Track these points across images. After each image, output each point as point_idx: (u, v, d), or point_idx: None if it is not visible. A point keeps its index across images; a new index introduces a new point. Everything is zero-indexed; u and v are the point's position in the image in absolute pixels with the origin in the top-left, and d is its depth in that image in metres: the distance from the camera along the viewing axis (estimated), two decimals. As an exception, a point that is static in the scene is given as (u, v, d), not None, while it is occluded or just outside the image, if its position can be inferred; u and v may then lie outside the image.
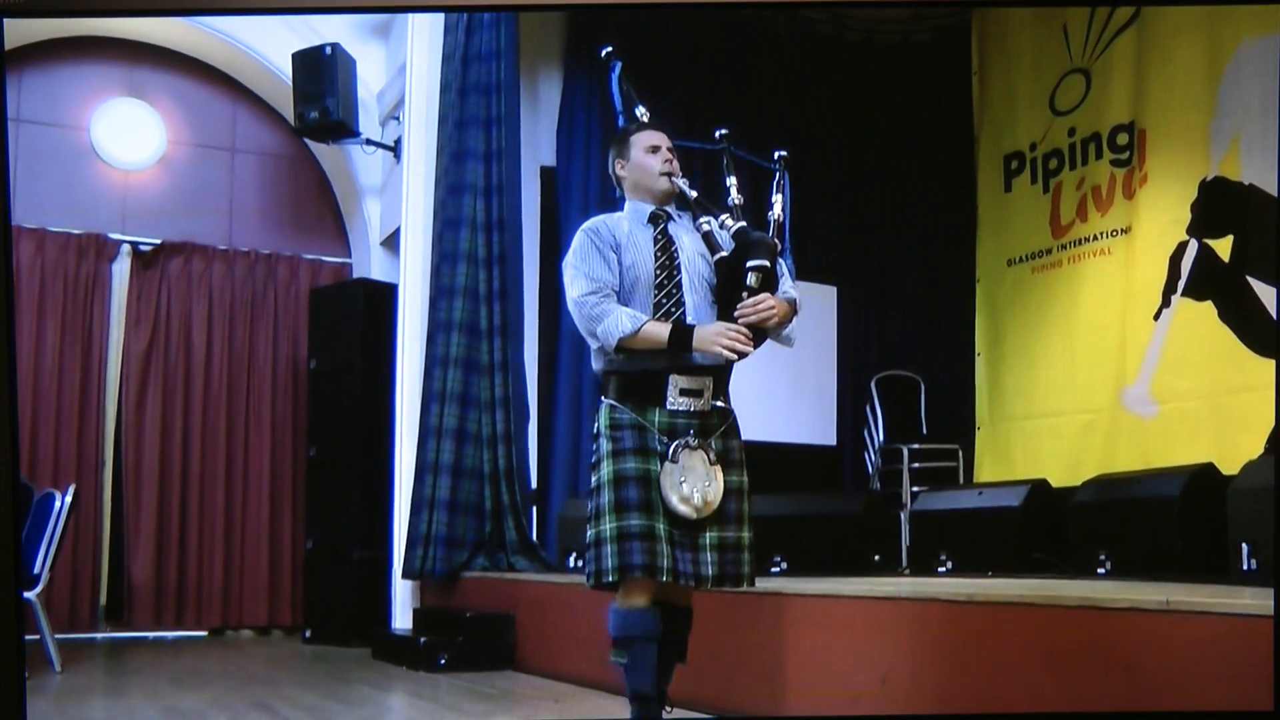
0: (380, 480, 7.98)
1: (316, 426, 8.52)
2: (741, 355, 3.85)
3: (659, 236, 4.07)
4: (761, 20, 8.86)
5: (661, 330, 3.87)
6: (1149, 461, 6.71)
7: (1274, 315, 6.58)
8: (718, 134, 4.42)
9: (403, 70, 8.14)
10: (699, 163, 4.36)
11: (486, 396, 7.61)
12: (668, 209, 4.15)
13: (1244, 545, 5.10)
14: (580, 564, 7.14)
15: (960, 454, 8.30)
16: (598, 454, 3.95)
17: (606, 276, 3.96)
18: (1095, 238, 7.77)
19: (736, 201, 4.16)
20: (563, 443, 8.20)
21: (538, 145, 8.45)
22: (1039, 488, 6.70)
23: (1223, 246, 6.93)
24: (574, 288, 3.98)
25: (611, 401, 3.97)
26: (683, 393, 3.92)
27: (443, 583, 7.44)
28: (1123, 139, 7.67)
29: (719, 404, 3.98)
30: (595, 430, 3.99)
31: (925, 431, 8.56)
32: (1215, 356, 6.81)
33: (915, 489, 7.90)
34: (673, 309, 3.96)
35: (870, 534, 7.27)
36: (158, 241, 8.68)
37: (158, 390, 8.59)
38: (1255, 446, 6.12)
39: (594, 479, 3.94)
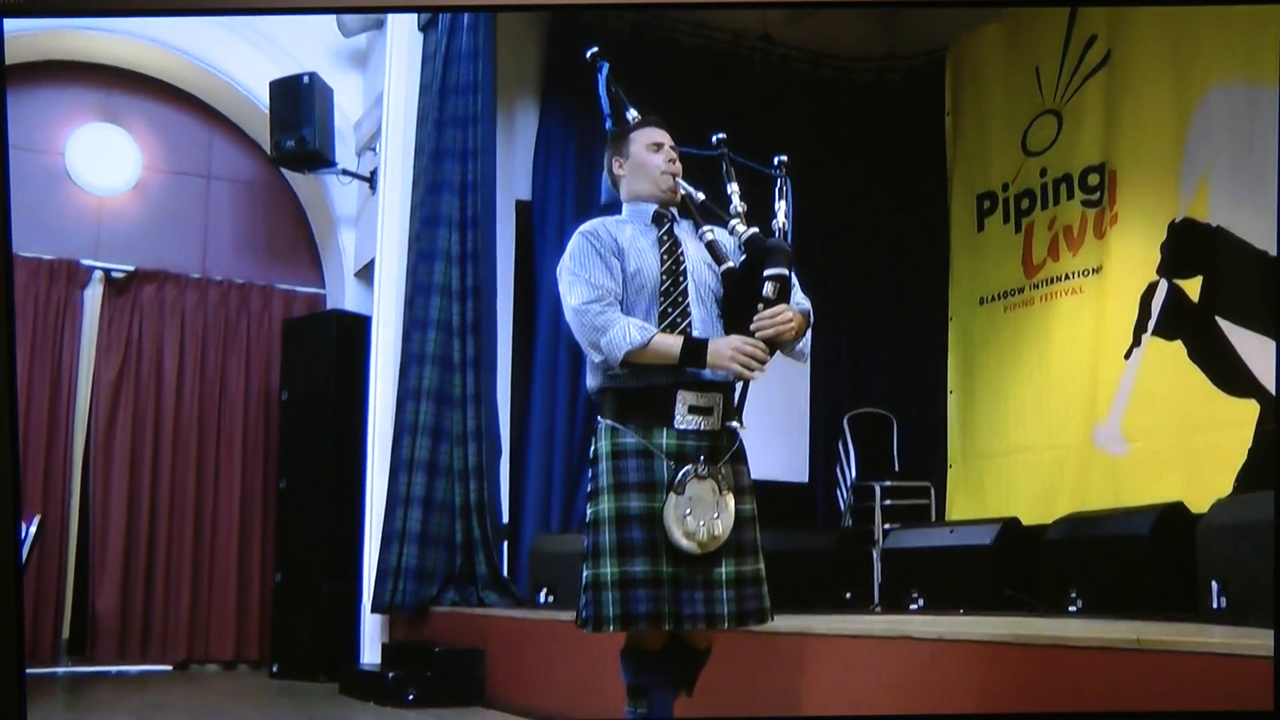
0: (350, 513, 7.93)
1: (287, 458, 8.47)
2: (757, 373, 3.60)
3: (664, 238, 3.82)
4: (737, 56, 8.89)
5: (672, 343, 3.61)
6: (1120, 499, 6.72)
7: (1242, 356, 6.62)
8: (715, 139, 4.09)
9: (380, 101, 8.15)
10: (696, 170, 4.06)
11: (459, 430, 7.58)
12: (671, 210, 3.90)
13: (1214, 583, 5.11)
14: (549, 598, 7.15)
15: (932, 491, 8.29)
16: (596, 483, 3.67)
17: (609, 283, 3.70)
18: (1067, 277, 7.81)
19: (740, 209, 3.88)
20: (535, 477, 8.17)
21: (513, 178, 8.43)
22: (1010, 525, 6.71)
23: (1192, 287, 6.98)
24: (573, 295, 3.71)
25: (612, 423, 3.69)
26: (692, 410, 3.66)
27: (412, 617, 7.40)
28: (1094, 180, 7.72)
29: (732, 424, 3.71)
30: (593, 453, 3.71)
31: (897, 469, 8.56)
32: (1185, 395, 6.85)
33: (887, 526, 7.89)
34: (678, 320, 3.70)
35: (842, 571, 7.28)
36: (130, 268, 8.64)
37: (127, 419, 8.54)
38: (1225, 485, 6.17)
39: (592, 511, 3.67)
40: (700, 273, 3.79)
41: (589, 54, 4.38)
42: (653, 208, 3.87)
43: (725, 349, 3.58)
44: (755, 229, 3.80)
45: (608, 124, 4.18)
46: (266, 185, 9.21)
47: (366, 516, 7.79)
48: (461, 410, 7.60)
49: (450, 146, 7.74)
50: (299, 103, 7.99)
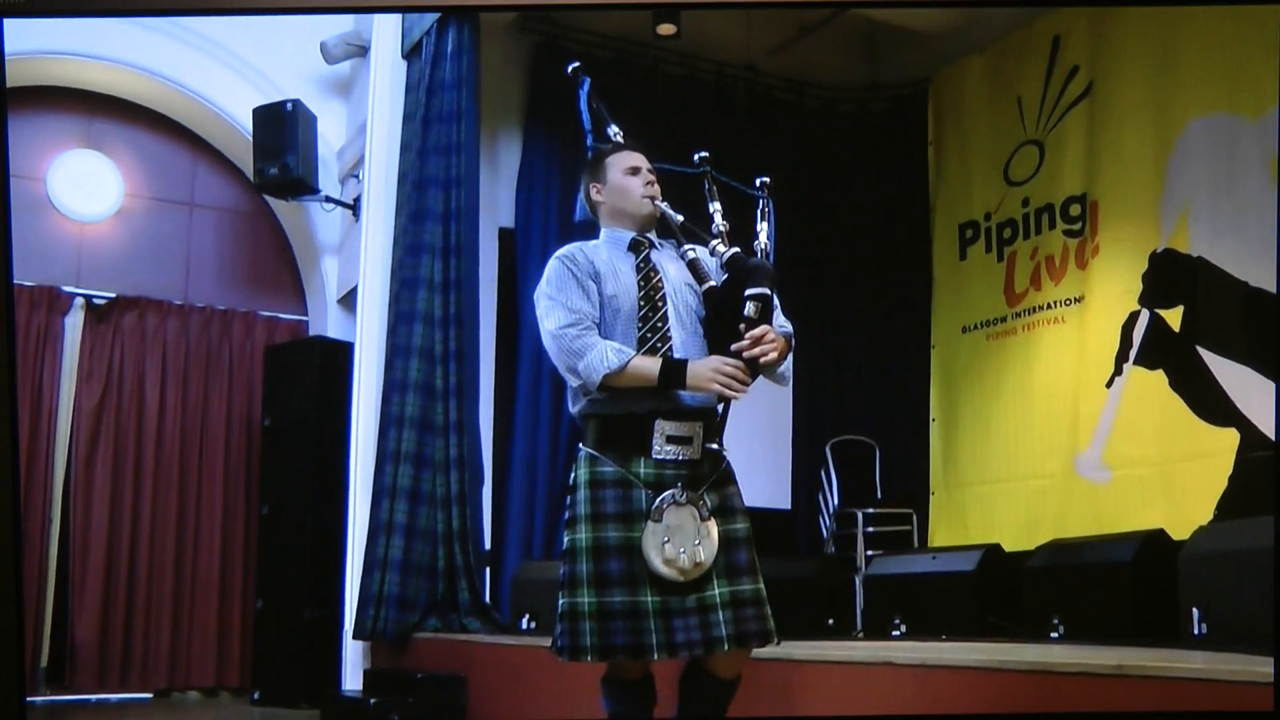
0: (333, 540, 7.89)
1: (269, 485, 8.43)
2: (738, 394, 3.53)
3: (641, 264, 3.76)
4: (721, 86, 8.92)
5: (651, 365, 3.56)
6: (1102, 527, 6.74)
7: (1223, 385, 6.66)
8: (696, 157, 4.03)
9: (363, 128, 8.15)
10: (675, 189, 4.00)
11: (441, 457, 7.56)
12: (649, 235, 3.85)
13: (1195, 610, 5.14)
14: (531, 625, 7.14)
15: (914, 518, 8.31)
16: (574, 511, 3.62)
17: (586, 308, 3.65)
18: (1049, 306, 7.85)
19: (722, 228, 3.80)
20: (517, 504, 8.16)
21: (497, 206, 8.43)
22: (992, 552, 6.73)
23: (1173, 317, 7.03)
24: (550, 319, 3.67)
25: (591, 451, 3.64)
26: (669, 440, 3.59)
27: (394, 644, 7.37)
28: (1075, 210, 7.77)
29: (713, 447, 3.64)
30: (572, 481, 3.66)
31: (880, 496, 8.58)
32: (1166, 424, 6.89)
33: (869, 553, 7.90)
34: (658, 344, 3.64)
35: (824, 598, 7.28)
36: (112, 295, 8.61)
37: (108, 446, 8.49)
38: (1205, 513, 6.20)
39: (569, 539, 3.62)
40: (682, 293, 3.75)
41: (570, 69, 4.39)
42: (630, 234, 3.83)
43: (705, 370, 3.53)
44: (737, 249, 3.74)
45: (589, 139, 4.20)
46: (249, 212, 9.19)
47: (348, 543, 7.75)
48: (444, 438, 7.58)
49: (434, 174, 7.74)
50: (282, 130, 7.99)
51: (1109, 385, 7.28)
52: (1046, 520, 7.41)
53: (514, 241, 8.48)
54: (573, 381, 3.67)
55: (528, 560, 7.88)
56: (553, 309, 3.67)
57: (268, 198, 8.87)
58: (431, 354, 7.61)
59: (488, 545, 7.91)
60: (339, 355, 8.24)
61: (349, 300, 8.50)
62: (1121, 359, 7.24)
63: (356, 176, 8.35)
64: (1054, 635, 5.95)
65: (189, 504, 8.70)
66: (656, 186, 3.87)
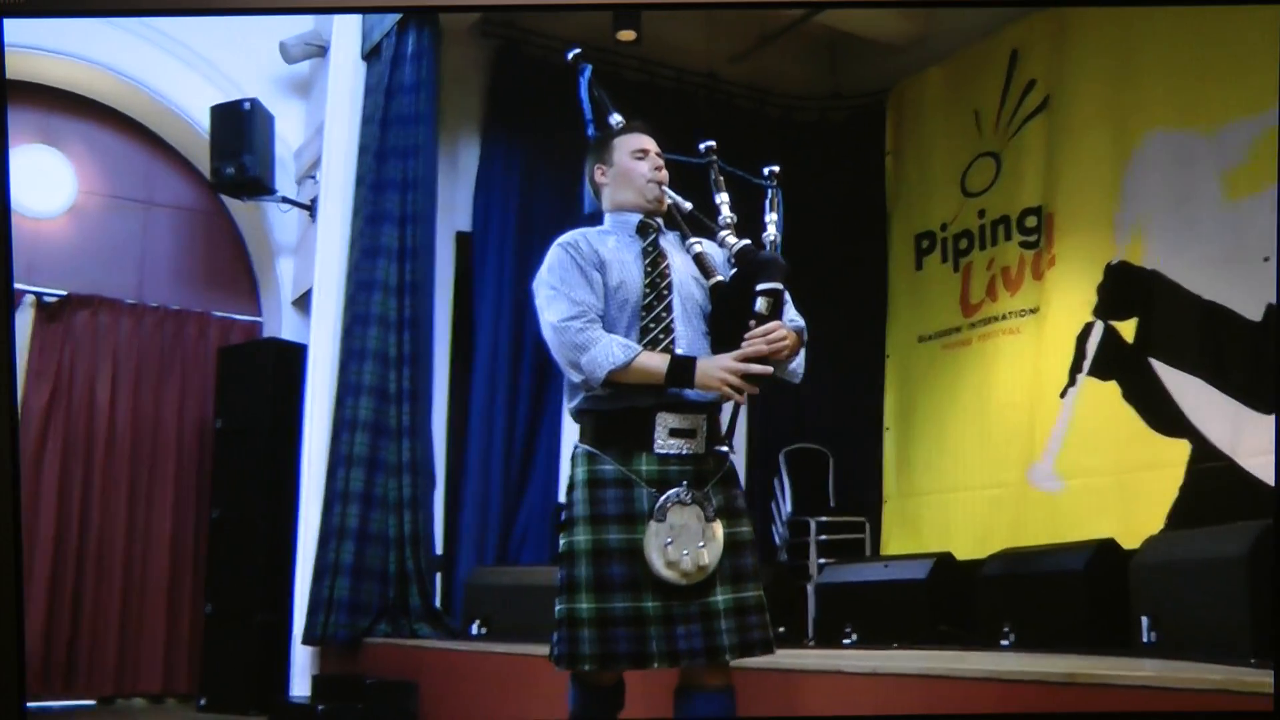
0: (284, 544, 7.83)
1: (221, 487, 8.34)
2: (746, 396, 3.39)
3: (649, 249, 3.63)
4: (681, 93, 8.92)
5: (658, 362, 3.40)
6: (1055, 536, 6.76)
7: (1175, 397, 6.70)
8: (703, 147, 3.88)
9: (321, 129, 8.11)
10: (679, 181, 3.82)
11: (394, 461, 7.54)
12: (657, 220, 3.70)
13: (1144, 619, 5.17)
14: (483, 631, 7.12)
15: (867, 527, 8.33)
16: (572, 513, 3.48)
17: (590, 299, 3.51)
18: (1004, 317, 7.88)
19: (730, 220, 3.67)
20: (470, 509, 8.13)
21: (454, 210, 8.42)
22: (945, 560, 6.74)
23: (1127, 329, 7.06)
24: (551, 311, 3.53)
25: (590, 449, 3.51)
26: (673, 433, 3.45)
27: (344, 649, 7.33)
28: (1031, 222, 7.81)
29: (722, 449, 3.50)
30: (570, 481, 3.52)
31: (833, 504, 8.58)
32: (1119, 435, 6.92)
33: (822, 561, 7.91)
34: (661, 336, 3.50)
35: (776, 606, 7.26)
36: (64, 293, 8.51)
37: (58, 447, 8.38)
38: (1157, 522, 6.25)
39: (566, 542, 3.48)
40: (686, 287, 3.60)
41: (571, 56, 4.20)
42: (637, 218, 3.70)
43: (714, 369, 3.39)
44: (747, 241, 3.61)
45: (589, 129, 4.01)
46: (205, 211, 9.10)
47: (299, 547, 7.70)
48: (397, 442, 7.55)
49: (391, 177, 7.72)
50: (240, 129, 7.92)
51: (1063, 396, 7.31)
52: (999, 529, 7.43)
53: (470, 245, 8.46)
54: (574, 377, 3.52)
55: (480, 565, 7.85)
56: (554, 300, 3.55)
57: (224, 197, 8.78)
58: (386, 357, 7.59)
59: (439, 550, 7.89)
60: (293, 357, 8.18)
61: (304, 302, 8.45)
62: (1075, 370, 7.27)
63: (314, 178, 8.31)
64: (1005, 643, 5.97)
65: (139, 506, 8.59)
66: (665, 172, 3.74)
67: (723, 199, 3.74)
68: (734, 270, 3.58)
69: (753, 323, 3.42)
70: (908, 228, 8.75)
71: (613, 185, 3.76)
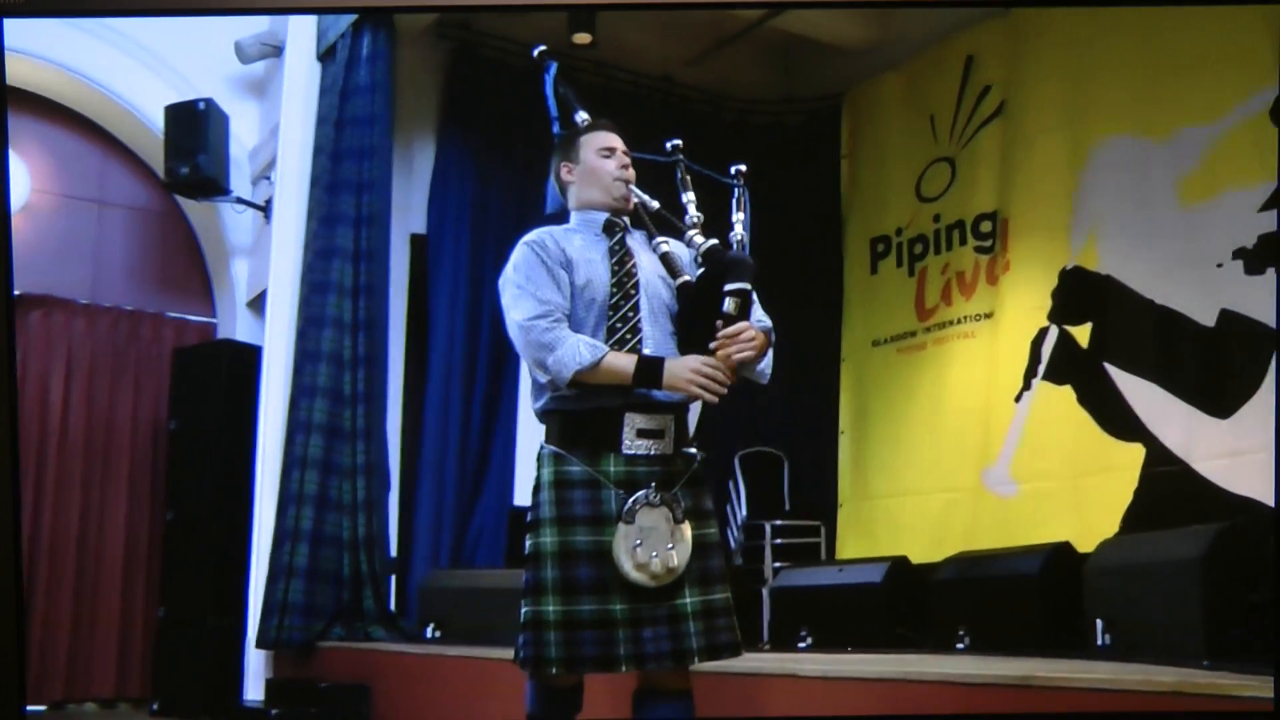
0: (238, 546, 7.79)
1: (175, 489, 8.28)
2: (716, 396, 3.33)
3: (615, 248, 3.57)
4: (637, 96, 8.92)
5: (625, 363, 3.35)
6: (1009, 540, 6.78)
7: (1129, 401, 6.74)
8: (669, 145, 3.83)
9: (276, 130, 8.08)
10: (646, 179, 3.76)
11: (348, 463, 7.51)
12: (623, 219, 3.65)
13: (1099, 621, 5.19)
14: (437, 634, 7.10)
15: (822, 531, 8.34)
16: (538, 514, 3.42)
17: (556, 298, 3.44)
18: (959, 321, 7.90)
19: (697, 219, 3.61)
20: (425, 512, 8.10)
21: (409, 212, 8.40)
22: (900, 564, 6.76)
23: (1082, 334, 7.09)
24: (518, 310, 3.45)
25: (556, 449, 3.44)
26: (641, 434, 3.39)
27: (298, 652, 7.30)
28: (986, 227, 7.83)
29: (690, 451, 3.48)
30: (536, 482, 3.45)
31: (788, 508, 8.60)
32: (1074, 439, 6.96)
33: (777, 565, 7.92)
34: (628, 336, 3.45)
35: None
36: (16, 293, 8.43)
37: (9, 448, 8.32)
38: (1111, 526, 6.28)
39: (532, 543, 3.41)
40: (654, 287, 3.55)
41: (536, 52, 4.15)
42: (604, 216, 3.64)
43: (683, 370, 3.34)
44: (715, 241, 3.56)
45: (555, 126, 3.97)
46: (159, 211, 9.03)
47: (254, 550, 7.67)
48: (351, 444, 7.53)
49: (346, 179, 7.70)
50: (195, 129, 7.87)
51: (1017, 400, 7.34)
52: (954, 533, 7.45)
53: (425, 247, 8.44)
54: (540, 377, 3.47)
55: (434, 568, 7.83)
56: (520, 298, 3.47)
57: (178, 197, 8.73)
58: (340, 359, 7.56)
59: (394, 553, 7.86)
60: (247, 359, 8.14)
61: (258, 303, 8.41)
62: (1030, 374, 7.30)
63: (269, 178, 8.27)
64: (960, 646, 5.99)
65: (92, 508, 8.52)
66: (632, 171, 3.69)
67: (689, 198, 3.69)
68: (701, 270, 3.54)
69: (720, 323, 3.38)
70: (863, 232, 8.76)
71: (579, 183, 3.70)
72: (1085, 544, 5.82)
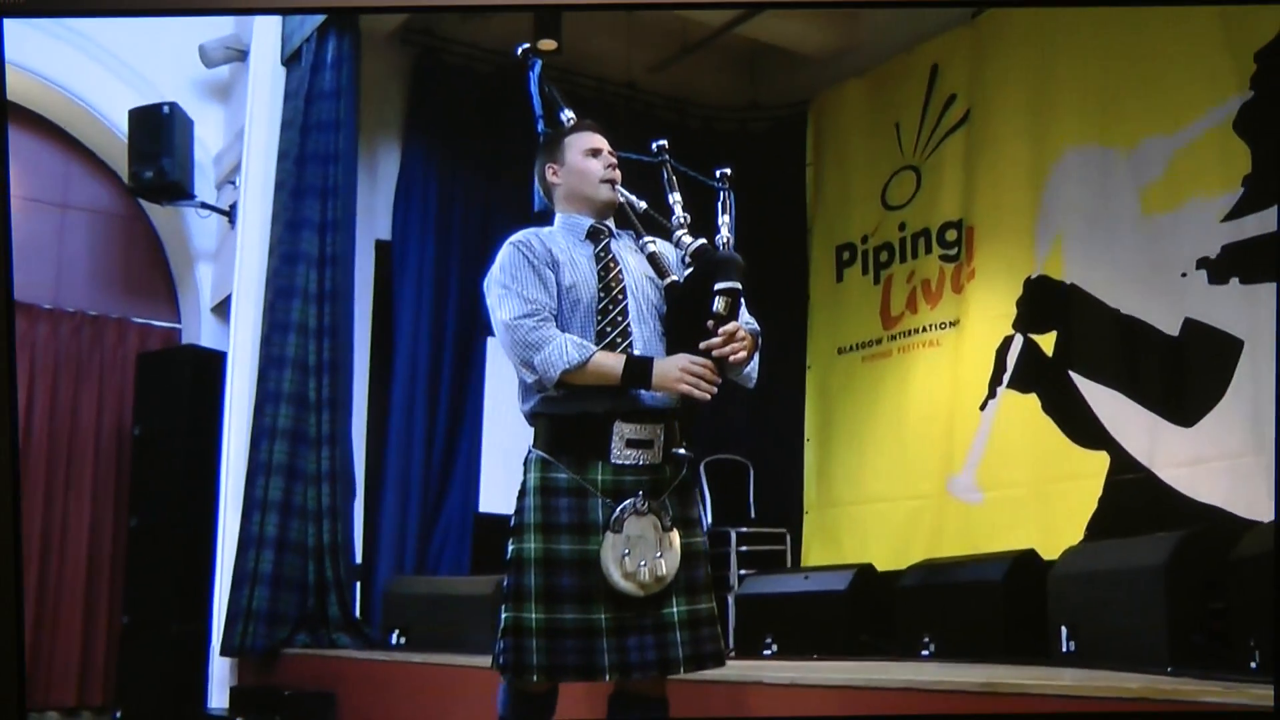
0: (202, 553, 7.75)
1: (139, 496, 8.23)
2: (707, 395, 3.32)
3: (600, 254, 3.55)
4: (601, 103, 8.91)
5: (614, 363, 3.33)
6: (974, 547, 6.80)
7: (1094, 409, 6.77)
8: (654, 145, 3.80)
9: (241, 134, 8.05)
10: (631, 179, 3.75)
11: (313, 469, 7.49)
12: (608, 224, 3.64)
13: (1063, 628, 5.21)
14: (402, 641, 7.07)
15: (788, 538, 8.34)
16: (521, 519, 3.39)
17: (543, 298, 3.42)
18: (925, 329, 7.91)
19: (685, 219, 3.59)
20: (390, 518, 8.07)
21: (374, 218, 8.38)
22: (865, 572, 6.75)
23: (1047, 342, 7.12)
24: (504, 309, 3.42)
25: (543, 454, 3.41)
26: (630, 444, 3.36)
27: (262, 660, 7.26)
28: (951, 235, 7.85)
29: (679, 451, 3.44)
30: (522, 487, 3.42)
31: (753, 515, 8.59)
32: (1038, 447, 6.98)
33: (742, 572, 7.91)
34: (617, 339, 3.42)
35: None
36: (-22, 298, 8.38)
37: (-30, 454, 8.26)
38: (1076, 533, 6.31)
39: (514, 548, 3.38)
40: (642, 287, 3.54)
41: (520, 50, 4.11)
42: (588, 220, 3.63)
43: (672, 369, 3.32)
44: (703, 240, 3.54)
45: (539, 125, 3.91)
46: (123, 215, 8.98)
47: (218, 557, 7.63)
48: (316, 450, 7.51)
49: (311, 184, 7.68)
50: (159, 133, 7.84)
51: (982, 408, 7.35)
52: (919, 540, 7.47)
53: (390, 253, 8.41)
54: (528, 377, 3.42)
55: (399, 574, 7.81)
56: (506, 298, 3.44)
57: (142, 201, 8.70)
58: (305, 365, 7.55)
59: (359, 559, 7.84)
60: (212, 364, 8.10)
61: (223, 309, 8.38)
62: (995, 382, 7.31)
63: (233, 183, 8.24)
64: (925, 654, 5.99)
65: (55, 514, 8.47)
66: (618, 171, 3.67)
67: (676, 198, 3.67)
68: (689, 269, 3.53)
69: (710, 323, 3.37)
70: (828, 239, 8.77)
71: (565, 184, 3.67)
72: (1050, 551, 5.82)
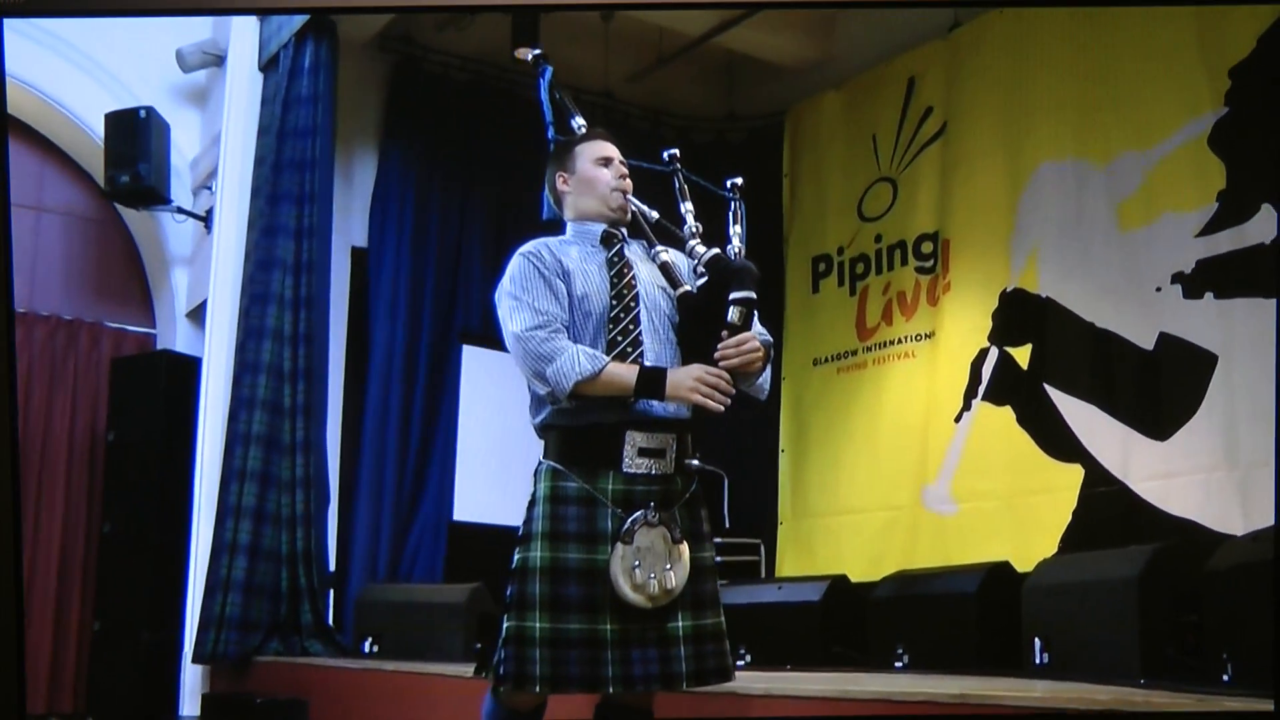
0: (175, 559, 7.72)
1: (112, 501, 8.19)
2: (721, 406, 3.24)
3: (614, 259, 3.49)
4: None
5: (627, 373, 3.26)
6: (948, 559, 6.81)
7: (1069, 422, 6.79)
8: (666, 155, 3.77)
9: (218, 139, 8.03)
10: (643, 189, 3.69)
11: (287, 476, 7.47)
12: (621, 230, 3.56)
13: (1036, 640, 5.22)
14: (374, 648, 7.06)
15: (762, 549, 8.35)
16: (530, 528, 3.32)
17: (554, 309, 3.35)
18: (900, 341, 7.93)
19: (697, 229, 3.54)
20: (363, 526, 8.06)
21: (350, 225, 8.36)
22: (838, 583, 6.75)
23: (1022, 355, 7.14)
24: (515, 321, 3.35)
25: (554, 464, 3.34)
26: (641, 453, 3.29)
27: (235, 667, 7.24)
28: (927, 247, 7.87)
29: (693, 463, 3.39)
30: (532, 496, 3.35)
31: (727, 526, 8.55)
32: (1013, 459, 7.00)
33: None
34: (629, 349, 3.35)
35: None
36: (-53, 302, 8.34)
37: (-59, 458, 8.21)
38: (1049, 545, 6.33)
39: (520, 556, 3.31)
40: (654, 297, 3.46)
41: (531, 56, 4.11)
42: (601, 228, 3.55)
43: (686, 379, 3.25)
44: (717, 250, 3.46)
45: (549, 132, 3.90)
46: (99, 219, 8.93)
47: (191, 563, 7.60)
48: (290, 457, 7.49)
49: (287, 190, 7.67)
50: (135, 137, 7.82)
51: (957, 420, 7.37)
52: (893, 552, 7.48)
53: (366, 260, 8.40)
54: (540, 389, 3.33)
55: (372, 582, 7.79)
56: (517, 309, 3.36)
57: (118, 206, 8.66)
58: (280, 371, 7.53)
59: (332, 566, 7.82)
60: (186, 370, 8.07)
61: (198, 314, 8.36)
62: (970, 395, 7.33)
63: (209, 188, 8.22)
64: (898, 665, 6.00)
65: (26, 519, 8.42)
66: (629, 180, 3.60)
67: (688, 208, 3.63)
68: (702, 279, 3.47)
69: (725, 333, 3.30)
70: (804, 250, 8.78)
71: (575, 193, 3.60)
72: (1024, 563, 5.84)
